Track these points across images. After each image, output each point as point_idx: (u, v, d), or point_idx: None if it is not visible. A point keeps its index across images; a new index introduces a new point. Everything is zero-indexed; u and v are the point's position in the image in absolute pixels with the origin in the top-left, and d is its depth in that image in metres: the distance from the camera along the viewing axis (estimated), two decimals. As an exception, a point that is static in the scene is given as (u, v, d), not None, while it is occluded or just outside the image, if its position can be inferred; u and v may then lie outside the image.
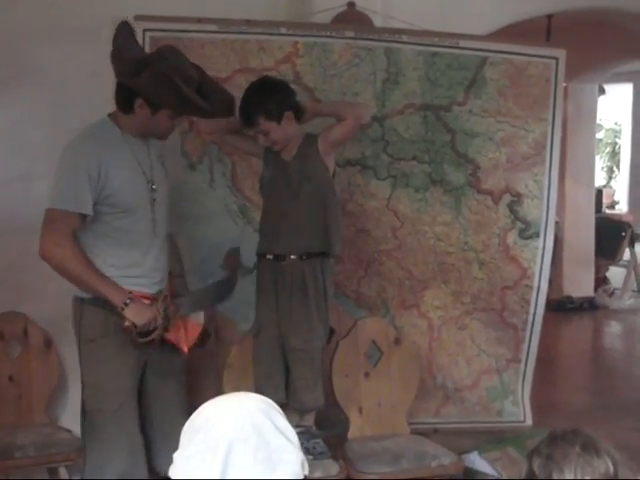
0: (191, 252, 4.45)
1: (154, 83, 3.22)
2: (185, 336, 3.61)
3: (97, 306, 3.33)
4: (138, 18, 4.18)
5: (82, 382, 3.43)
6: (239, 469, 1.51)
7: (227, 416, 1.58)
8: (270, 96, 3.84)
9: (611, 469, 1.78)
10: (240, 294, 4.14)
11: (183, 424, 3.46)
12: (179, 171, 4.41)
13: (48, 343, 4.38)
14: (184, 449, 1.60)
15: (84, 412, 3.43)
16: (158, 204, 3.47)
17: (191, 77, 3.35)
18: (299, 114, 3.91)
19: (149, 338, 3.36)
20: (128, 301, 3.28)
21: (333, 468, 3.94)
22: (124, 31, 3.35)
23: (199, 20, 4.32)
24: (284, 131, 3.86)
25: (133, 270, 3.39)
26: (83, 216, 3.24)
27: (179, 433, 3.44)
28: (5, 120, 4.36)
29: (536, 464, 1.83)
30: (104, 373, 3.37)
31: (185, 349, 3.60)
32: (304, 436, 3.88)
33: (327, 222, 3.91)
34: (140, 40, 4.13)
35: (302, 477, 1.57)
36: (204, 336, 4.22)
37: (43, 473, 4.17)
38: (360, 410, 4.28)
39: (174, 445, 3.47)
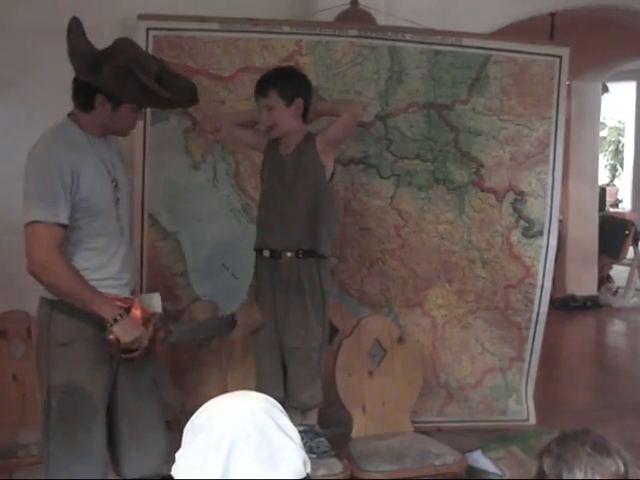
0: (194, 251, 4.46)
1: (115, 78, 3.11)
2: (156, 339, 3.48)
3: (68, 310, 3.23)
4: (141, 17, 4.20)
5: (48, 385, 3.28)
6: (241, 467, 1.50)
7: (229, 415, 1.58)
8: (290, 77, 3.90)
9: (622, 469, 1.78)
10: (243, 292, 4.14)
11: (158, 423, 3.45)
12: (182, 170, 4.41)
13: (51, 342, 4.38)
14: (186, 448, 1.59)
15: (47, 415, 3.30)
16: (121, 203, 3.37)
17: (149, 68, 3.25)
18: (306, 111, 3.92)
19: (130, 356, 3.27)
20: (118, 317, 3.20)
21: (337, 467, 3.93)
22: (76, 27, 3.25)
23: (202, 19, 4.32)
24: (288, 117, 3.85)
25: (102, 272, 3.30)
26: (65, 226, 3.14)
27: (153, 433, 3.43)
28: (8, 119, 4.37)
29: (546, 463, 1.83)
30: (76, 377, 3.27)
31: (158, 350, 3.48)
32: (307, 435, 3.88)
33: (318, 221, 3.88)
34: (143, 39, 4.15)
35: (304, 475, 1.57)
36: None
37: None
38: (364, 409, 4.28)
39: (148, 446, 3.41)
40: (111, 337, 3.20)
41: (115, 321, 3.19)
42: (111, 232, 3.32)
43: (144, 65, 3.21)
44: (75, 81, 3.26)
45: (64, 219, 3.12)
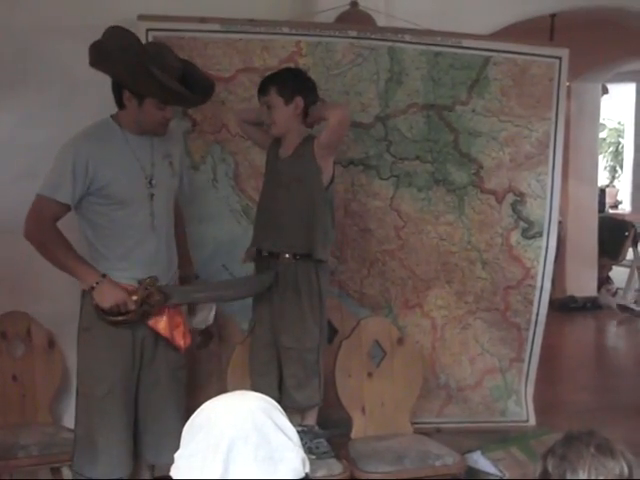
0: (194, 252, 4.45)
1: (128, 70, 3.34)
2: (183, 334, 3.67)
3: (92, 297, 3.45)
4: (141, 18, 4.19)
5: (77, 368, 3.61)
6: (240, 467, 1.51)
7: (228, 415, 1.59)
8: (291, 76, 3.97)
9: (626, 470, 1.78)
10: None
11: (176, 420, 3.53)
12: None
13: (51, 343, 4.39)
14: (185, 448, 1.60)
15: (77, 396, 3.61)
16: (157, 199, 3.57)
17: (171, 66, 3.44)
18: (307, 111, 3.94)
19: (118, 318, 3.44)
20: (95, 284, 3.40)
21: (336, 467, 3.94)
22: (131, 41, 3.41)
23: (202, 20, 4.32)
24: (287, 115, 3.89)
25: (125, 263, 3.51)
26: (66, 205, 3.42)
27: (170, 429, 3.51)
28: (12, 119, 4.37)
29: (550, 464, 1.83)
30: (93, 360, 3.51)
31: (180, 344, 3.65)
32: (307, 436, 3.88)
33: (313, 226, 3.89)
34: (143, 39, 4.14)
35: (303, 475, 1.57)
36: (206, 336, 4.24)
37: (46, 473, 4.17)
38: (363, 410, 4.28)
39: (163, 441, 3.62)
40: (94, 302, 3.42)
41: (92, 288, 3.41)
42: (139, 224, 3.53)
43: (163, 62, 3.39)
44: (112, 82, 3.50)
45: (63, 198, 3.40)
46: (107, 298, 3.41)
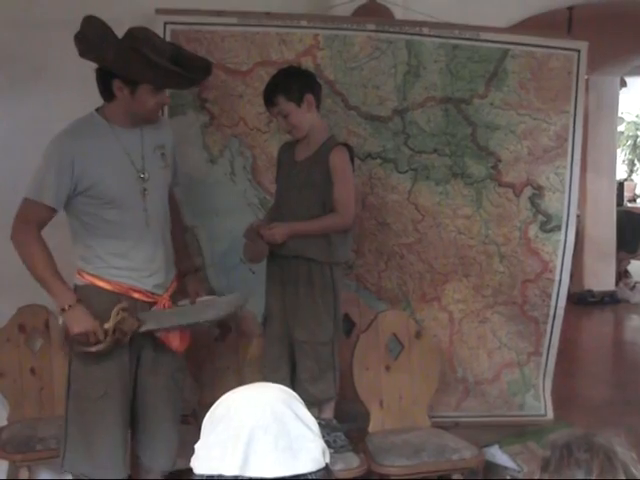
0: (211, 245, 4.46)
1: (119, 56, 3.19)
2: (180, 336, 3.54)
3: (86, 299, 3.34)
4: (159, 11, 4.21)
5: (68, 370, 3.45)
6: (260, 457, 1.51)
7: (248, 405, 1.59)
8: (292, 78, 3.91)
9: None
10: (260, 286, 4.13)
11: (170, 424, 3.50)
12: (200, 165, 4.42)
13: (69, 336, 4.40)
14: (206, 439, 1.60)
15: (68, 397, 3.46)
16: (150, 194, 3.44)
17: (161, 49, 3.30)
18: (319, 103, 3.95)
19: (86, 349, 3.30)
20: (67, 307, 3.27)
21: (354, 461, 3.94)
22: (95, 23, 3.30)
23: (219, 13, 4.33)
24: (304, 115, 3.87)
25: (121, 262, 3.39)
26: (51, 209, 3.30)
27: (164, 432, 3.48)
28: (22, 116, 4.38)
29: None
30: (88, 361, 3.36)
31: (176, 348, 3.53)
32: (325, 429, 3.88)
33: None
34: (161, 33, 4.15)
35: (323, 465, 1.57)
36: (224, 330, 4.21)
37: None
38: (381, 403, 4.28)
39: (158, 445, 3.49)
40: (60, 324, 3.32)
41: (64, 310, 3.28)
42: (133, 221, 3.39)
43: (153, 45, 3.25)
44: (96, 72, 3.33)
45: (50, 201, 3.27)
46: (78, 323, 3.25)
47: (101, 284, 3.39)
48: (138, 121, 3.42)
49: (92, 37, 3.23)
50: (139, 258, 3.41)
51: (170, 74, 3.31)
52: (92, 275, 3.39)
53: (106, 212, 3.34)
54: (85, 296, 3.35)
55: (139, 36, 3.25)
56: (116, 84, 3.28)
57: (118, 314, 3.29)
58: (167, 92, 3.52)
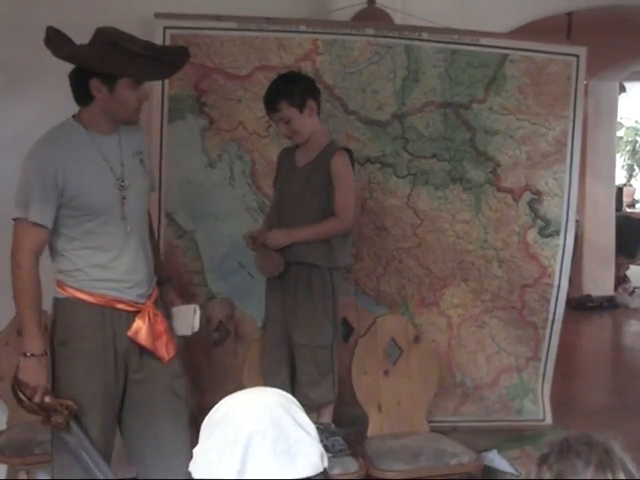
0: (210, 249, 4.47)
1: (98, 51, 3.08)
2: (166, 344, 3.40)
3: (69, 309, 3.26)
4: (158, 16, 4.22)
5: (51, 383, 3.28)
6: (258, 462, 1.51)
7: (246, 410, 1.59)
8: (294, 83, 3.90)
9: None
10: (260, 290, 4.14)
11: (177, 439, 3.36)
12: (199, 169, 4.42)
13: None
14: (204, 443, 1.60)
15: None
16: (130, 202, 3.30)
17: (135, 41, 3.15)
18: (319, 107, 3.95)
19: (19, 397, 3.19)
20: (29, 354, 3.15)
21: (352, 465, 3.94)
22: (54, 35, 3.21)
23: (218, 18, 4.34)
24: (306, 121, 3.87)
25: (104, 274, 3.25)
26: (43, 227, 3.16)
27: (170, 449, 3.35)
28: (25, 118, 4.38)
29: (546, 477, 1.77)
30: (71, 375, 3.26)
31: (163, 355, 3.38)
32: (323, 433, 3.88)
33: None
34: (160, 38, 4.16)
35: (321, 470, 1.57)
36: (223, 334, 4.21)
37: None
38: (379, 408, 4.28)
39: (163, 461, 3.31)
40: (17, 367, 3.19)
41: (25, 355, 3.16)
42: (113, 231, 3.27)
43: (128, 38, 3.14)
44: (70, 76, 3.24)
45: (41, 219, 3.14)
46: (29, 374, 3.14)
47: (83, 297, 3.25)
48: (118, 123, 3.31)
49: (63, 38, 3.16)
50: (121, 269, 3.29)
51: (149, 61, 3.19)
52: (74, 288, 3.26)
53: (86, 224, 3.22)
54: (66, 309, 3.26)
55: (111, 32, 3.14)
56: (93, 83, 3.16)
57: (61, 406, 3.18)
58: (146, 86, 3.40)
